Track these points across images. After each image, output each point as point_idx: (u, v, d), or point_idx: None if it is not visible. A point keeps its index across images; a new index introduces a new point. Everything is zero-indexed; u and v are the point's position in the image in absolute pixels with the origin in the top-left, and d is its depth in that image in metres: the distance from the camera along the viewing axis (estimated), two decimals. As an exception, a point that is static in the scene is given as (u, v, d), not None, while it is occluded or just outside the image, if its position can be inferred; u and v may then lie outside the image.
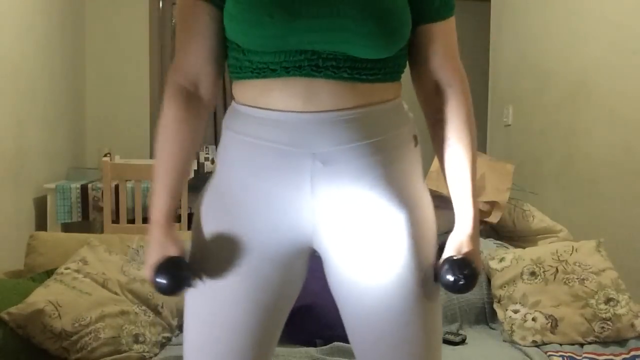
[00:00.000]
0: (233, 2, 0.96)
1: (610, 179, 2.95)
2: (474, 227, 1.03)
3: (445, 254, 1.02)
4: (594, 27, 3.08)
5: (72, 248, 2.11)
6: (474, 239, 1.03)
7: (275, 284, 1.03)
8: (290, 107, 0.95)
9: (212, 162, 4.24)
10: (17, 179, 3.22)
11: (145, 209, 3.27)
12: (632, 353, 1.94)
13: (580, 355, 1.91)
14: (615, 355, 1.94)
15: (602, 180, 3.01)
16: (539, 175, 3.58)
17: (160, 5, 4.76)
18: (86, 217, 3.49)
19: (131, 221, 3.08)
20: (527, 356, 1.91)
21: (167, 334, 1.96)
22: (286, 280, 1.04)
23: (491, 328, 2.17)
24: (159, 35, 4.70)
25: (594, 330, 1.98)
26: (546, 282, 2.08)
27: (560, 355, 1.90)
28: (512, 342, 2.01)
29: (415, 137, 1.05)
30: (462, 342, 2.00)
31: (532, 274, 2.10)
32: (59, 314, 1.76)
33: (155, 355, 1.85)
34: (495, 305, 2.13)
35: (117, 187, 3.09)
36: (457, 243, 1.02)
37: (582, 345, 1.99)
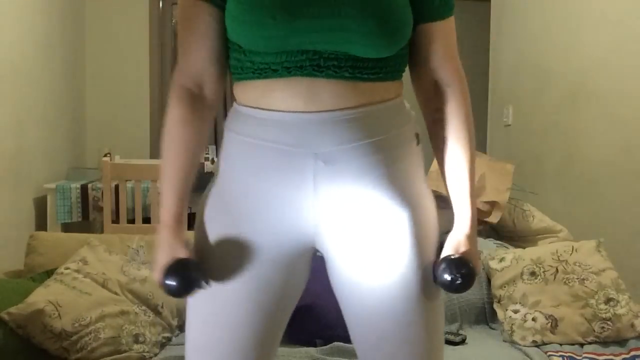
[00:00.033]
0: (234, 2, 0.96)
1: (610, 179, 2.95)
2: (472, 227, 1.04)
3: (443, 254, 1.02)
4: (594, 27, 3.08)
5: (72, 248, 2.11)
6: (471, 238, 1.03)
7: (278, 285, 1.03)
8: (291, 107, 0.95)
9: (212, 162, 4.23)
10: (17, 179, 3.22)
11: (145, 209, 3.27)
12: (632, 353, 1.94)
13: (580, 355, 1.91)
14: (615, 355, 1.94)
15: (602, 180, 3.01)
16: (539, 175, 3.58)
17: (160, 5, 4.76)
18: (86, 217, 3.49)
19: (131, 221, 3.07)
20: (527, 356, 1.91)
21: (167, 334, 1.96)
22: (288, 280, 1.04)
23: (491, 328, 2.17)
24: (159, 35, 4.70)
25: (594, 330, 1.98)
26: (546, 282, 2.08)
27: (560, 355, 1.90)
28: (512, 342, 2.01)
29: (417, 136, 1.05)
30: (462, 342, 2.00)
31: (532, 274, 2.10)
32: (59, 314, 1.76)
33: (155, 355, 1.85)
34: (495, 305, 2.13)
35: (117, 187, 3.09)
36: (455, 242, 1.02)
37: (582, 345, 1.99)
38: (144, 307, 1.94)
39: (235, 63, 1.01)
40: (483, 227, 2.64)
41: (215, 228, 1.03)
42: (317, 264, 1.09)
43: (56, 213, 3.44)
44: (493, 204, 2.59)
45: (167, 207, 1.02)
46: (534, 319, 2.01)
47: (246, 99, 1.01)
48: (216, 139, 4.57)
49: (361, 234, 0.99)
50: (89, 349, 1.74)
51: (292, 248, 1.02)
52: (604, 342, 1.99)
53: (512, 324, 2.03)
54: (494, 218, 2.59)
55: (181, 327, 2.08)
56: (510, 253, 2.22)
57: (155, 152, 4.70)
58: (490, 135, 4.26)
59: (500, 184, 2.62)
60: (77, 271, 1.93)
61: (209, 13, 1.00)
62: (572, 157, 3.27)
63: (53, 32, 3.81)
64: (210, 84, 1.03)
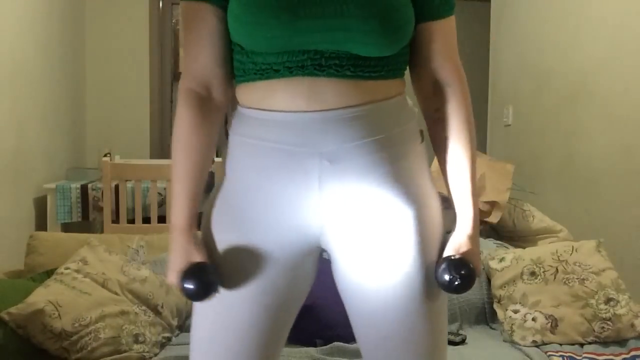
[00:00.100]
0: (237, 3, 0.96)
1: (610, 179, 2.95)
2: (474, 228, 1.03)
3: (444, 254, 1.02)
4: (594, 27, 3.08)
5: (72, 248, 2.11)
6: (473, 239, 1.03)
7: (284, 286, 1.03)
8: (294, 107, 0.95)
9: (212, 162, 4.25)
10: (17, 179, 3.22)
11: (145, 209, 3.27)
12: (632, 353, 1.94)
13: (580, 355, 1.91)
14: (615, 355, 1.94)
15: (602, 180, 3.01)
16: (539, 175, 3.58)
17: (160, 5, 4.76)
18: (86, 217, 3.48)
19: (131, 221, 3.07)
20: (527, 356, 1.91)
21: (167, 334, 1.96)
22: (294, 282, 1.04)
23: (491, 328, 2.17)
24: (159, 35, 4.70)
25: (594, 330, 1.98)
26: (546, 282, 2.08)
27: (560, 355, 1.90)
28: (512, 342, 2.01)
29: (421, 132, 1.05)
30: (462, 342, 2.01)
31: (532, 274, 2.10)
32: (59, 314, 1.76)
33: (155, 355, 1.85)
34: (495, 305, 2.13)
35: (117, 187, 3.09)
36: (457, 243, 1.02)
37: (582, 345, 1.99)
38: (144, 307, 1.94)
39: (238, 65, 1.01)
40: (483, 227, 2.64)
41: (222, 231, 1.03)
42: (318, 265, 1.09)
43: (56, 213, 3.44)
44: (493, 204, 2.59)
45: (179, 210, 1.03)
46: (534, 319, 2.01)
47: (249, 100, 1.01)
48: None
49: (366, 232, 0.99)
50: (89, 349, 1.74)
51: (299, 249, 1.02)
52: (604, 342, 1.99)
53: (512, 324, 2.03)
54: (494, 218, 2.59)
55: (181, 327, 2.08)
56: (510, 253, 2.22)
57: (155, 152, 4.70)
58: (490, 135, 4.26)
59: (500, 184, 2.62)
60: (77, 271, 1.93)
61: (213, 14, 0.99)
62: (572, 157, 3.27)
63: (53, 32, 3.81)
64: (218, 86, 1.03)
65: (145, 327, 1.88)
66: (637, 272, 2.65)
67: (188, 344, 1.93)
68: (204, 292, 0.98)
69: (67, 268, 1.95)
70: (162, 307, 1.98)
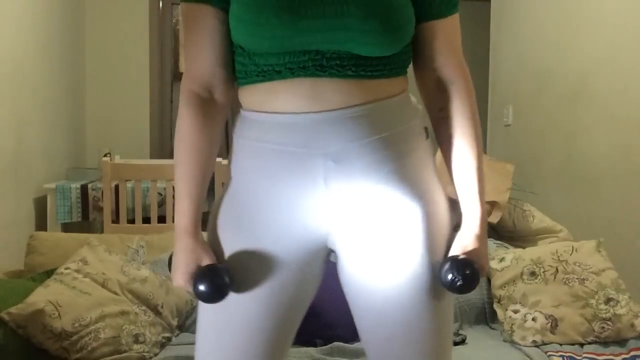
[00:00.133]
0: (238, 3, 0.96)
1: (610, 179, 2.95)
2: (481, 227, 1.03)
3: (450, 253, 1.02)
4: (594, 27, 3.08)
5: (72, 248, 2.11)
6: (480, 238, 1.02)
7: (291, 288, 1.03)
8: (297, 109, 0.95)
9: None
10: (17, 179, 3.22)
11: (145, 209, 3.27)
12: (632, 353, 1.94)
13: (580, 355, 1.91)
14: (615, 355, 1.94)
15: (602, 180, 3.01)
16: (539, 175, 3.58)
17: (160, 5, 4.76)
18: (86, 217, 3.48)
19: (131, 221, 3.07)
20: (527, 356, 1.91)
21: (167, 334, 1.96)
22: (301, 283, 1.04)
23: (491, 328, 2.17)
24: (159, 35, 4.70)
25: (594, 330, 1.98)
26: (546, 282, 2.08)
27: (560, 355, 1.90)
28: (512, 342, 2.01)
29: (426, 129, 1.05)
30: (462, 342, 2.00)
31: (532, 274, 2.10)
32: (59, 314, 1.76)
33: (155, 355, 1.85)
34: (495, 305, 2.13)
35: (117, 187, 3.09)
36: (463, 242, 1.02)
37: (582, 345, 1.99)
38: (144, 307, 1.94)
39: (240, 67, 1.01)
40: (483, 227, 2.63)
41: (229, 234, 1.03)
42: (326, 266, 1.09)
43: (56, 213, 3.44)
44: (493, 204, 2.59)
45: (184, 212, 1.02)
46: (534, 319, 2.01)
47: (251, 103, 1.01)
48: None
49: (373, 230, 0.99)
50: (89, 349, 1.74)
51: (305, 250, 1.02)
52: (604, 342, 1.99)
53: (512, 324, 2.03)
54: (494, 218, 2.59)
55: (181, 327, 2.08)
56: (510, 253, 2.22)
57: (155, 152, 4.70)
58: (490, 135, 4.26)
59: (500, 184, 2.62)
60: (77, 271, 1.93)
61: (214, 15, 0.99)
62: (572, 157, 3.27)
63: (53, 32, 3.81)
64: (220, 87, 1.03)
65: (145, 327, 1.88)
66: (637, 272, 2.65)
67: (188, 344, 1.95)
68: (218, 294, 0.98)
69: (67, 268, 1.95)
70: (162, 307, 1.98)
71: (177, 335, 2.03)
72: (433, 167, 1.05)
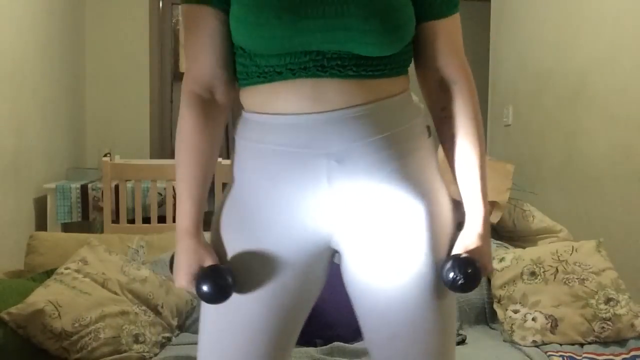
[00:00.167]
0: (238, 4, 0.96)
1: (610, 179, 2.95)
2: (484, 226, 1.03)
3: (452, 252, 1.02)
4: (594, 27, 3.08)
5: (72, 248, 2.11)
6: (483, 237, 1.03)
7: (294, 289, 1.03)
8: (299, 109, 0.96)
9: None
10: (17, 179, 3.22)
11: (145, 209, 3.27)
12: (632, 353, 1.94)
13: (580, 355, 1.91)
14: (615, 355, 1.94)
15: (602, 180, 3.01)
16: (539, 175, 3.58)
17: (160, 5, 4.76)
18: (86, 217, 3.48)
19: (131, 221, 3.07)
20: (527, 356, 1.91)
21: (167, 334, 1.96)
22: (305, 284, 1.04)
23: (491, 328, 2.17)
24: (159, 35, 4.71)
25: (594, 330, 1.98)
26: (546, 282, 2.08)
27: (560, 355, 1.90)
28: (512, 342, 2.01)
29: (428, 128, 1.05)
30: (462, 342, 2.00)
31: (532, 274, 2.10)
32: (59, 314, 1.76)
33: (155, 355, 1.85)
34: (495, 305, 2.13)
35: (117, 187, 3.09)
36: (465, 241, 1.02)
37: (582, 345, 1.99)
38: (144, 307, 1.94)
39: (241, 68, 1.01)
40: (483, 227, 2.63)
41: (232, 235, 1.03)
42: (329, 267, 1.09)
43: (56, 213, 3.44)
44: (493, 204, 2.59)
45: (186, 213, 1.02)
46: (534, 319, 2.01)
47: (253, 104, 1.01)
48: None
49: (377, 230, 0.99)
50: (89, 349, 1.74)
51: (310, 250, 1.02)
52: (604, 342, 1.99)
53: (512, 324, 2.03)
54: (494, 218, 2.59)
55: (181, 327, 2.08)
56: (510, 253, 2.22)
57: (155, 152, 4.70)
58: (490, 135, 4.26)
59: (500, 184, 2.62)
60: (77, 271, 1.93)
61: (215, 16, 0.99)
62: (572, 157, 3.27)
63: (53, 32, 3.81)
64: (221, 88, 1.03)
65: (145, 327, 1.88)
66: (637, 272, 2.65)
67: (188, 344, 1.95)
68: (221, 294, 0.98)
69: (67, 268, 1.95)
70: (162, 307, 1.98)
71: (177, 335, 2.03)
72: (436, 166, 1.05)
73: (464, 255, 0.99)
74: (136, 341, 1.83)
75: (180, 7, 1.07)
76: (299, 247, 1.01)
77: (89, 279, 1.92)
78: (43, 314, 1.73)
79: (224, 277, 0.98)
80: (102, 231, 3.18)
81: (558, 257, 2.13)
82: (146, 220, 3.07)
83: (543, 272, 2.10)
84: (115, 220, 3.07)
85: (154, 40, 4.66)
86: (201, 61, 1.01)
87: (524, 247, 2.34)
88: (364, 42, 0.93)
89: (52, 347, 1.73)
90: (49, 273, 2.03)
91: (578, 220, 3.10)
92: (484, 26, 4.37)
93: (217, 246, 1.05)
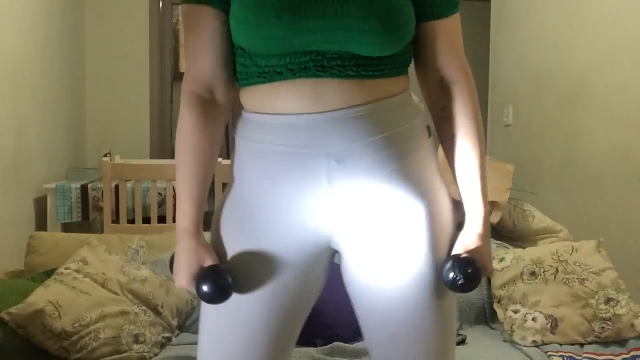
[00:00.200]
0: (238, 4, 0.96)
1: (610, 179, 2.95)
2: (484, 226, 1.03)
3: (452, 252, 1.02)
4: (594, 27, 3.08)
5: (72, 248, 2.11)
6: (483, 237, 1.03)
7: (294, 289, 1.03)
8: (299, 110, 0.96)
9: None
10: (17, 179, 3.22)
11: (145, 209, 3.27)
12: (632, 353, 1.94)
13: (580, 355, 1.91)
14: (615, 355, 1.94)
15: (602, 180, 3.01)
16: (539, 175, 3.58)
17: (160, 5, 4.76)
18: (86, 217, 3.48)
19: (131, 221, 3.07)
20: (527, 356, 1.91)
21: (167, 334, 1.96)
22: (305, 284, 1.04)
23: (491, 328, 2.17)
24: (159, 35, 4.71)
25: (594, 330, 1.98)
26: (546, 282, 2.08)
27: (560, 355, 1.90)
28: (512, 342, 2.01)
29: (428, 128, 1.05)
30: (462, 342, 2.00)
31: (532, 274, 2.10)
32: (59, 314, 1.76)
33: (155, 355, 1.85)
34: (495, 305, 2.13)
35: (117, 187, 3.09)
36: (465, 241, 1.02)
37: (582, 345, 1.99)
38: (144, 307, 1.94)
39: (241, 68, 1.01)
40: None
41: (232, 235, 1.03)
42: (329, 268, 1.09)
43: (56, 213, 3.44)
44: (493, 204, 2.59)
45: (186, 214, 1.02)
46: (534, 319, 2.01)
47: (253, 104, 1.01)
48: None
49: (377, 230, 0.99)
50: (89, 349, 1.74)
51: (310, 250, 1.02)
52: (604, 342, 1.99)
53: (512, 324, 2.03)
54: (494, 218, 2.59)
55: (181, 327, 2.08)
56: (510, 253, 2.22)
57: (155, 152, 4.70)
58: (490, 135, 4.26)
59: (500, 184, 2.62)
60: (77, 271, 1.93)
61: (215, 16, 0.99)
62: (572, 157, 3.27)
63: (53, 32, 3.81)
64: (221, 88, 1.03)
65: (145, 327, 1.88)
66: (637, 272, 2.65)
67: (188, 344, 1.95)
68: (221, 294, 0.98)
69: (67, 268, 1.95)
70: (162, 307, 1.98)
71: (177, 335, 2.03)
72: (436, 166, 1.05)
73: (464, 255, 0.99)
74: (136, 341, 1.83)
75: (180, 7, 1.08)
76: (299, 247, 1.01)
77: (89, 279, 1.92)
78: (43, 314, 1.73)
79: (224, 277, 0.98)
80: (102, 231, 3.18)
81: (558, 257, 2.13)
82: (146, 220, 3.07)
83: (543, 272, 2.10)
84: (115, 220, 3.07)
85: (154, 40, 4.66)
86: (201, 61, 1.01)
87: (524, 247, 2.34)
88: (364, 42, 0.93)
89: (52, 347, 1.73)
90: (49, 273, 2.03)
91: (578, 220, 3.10)
92: (484, 26, 4.37)
93: (217, 246, 1.05)
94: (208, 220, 1.07)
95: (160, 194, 3.36)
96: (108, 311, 1.83)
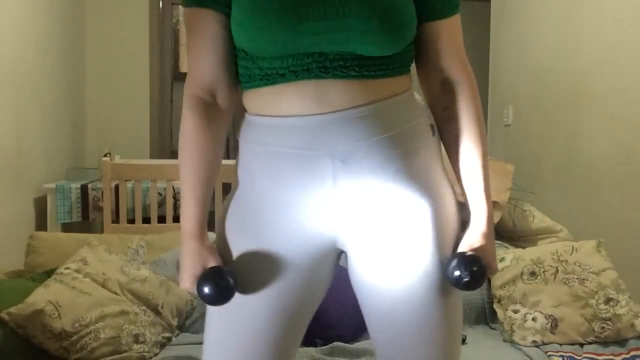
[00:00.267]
0: (239, 7, 0.96)
1: (610, 179, 2.95)
2: (488, 225, 1.04)
3: (458, 249, 1.02)
4: (594, 27, 3.08)
5: (72, 248, 2.11)
6: (487, 236, 1.03)
7: (299, 290, 1.03)
8: (303, 111, 0.96)
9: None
10: (17, 179, 3.22)
11: (145, 209, 3.27)
12: (632, 353, 1.94)
13: (580, 355, 1.91)
14: (615, 355, 1.94)
15: (602, 180, 3.01)
16: (539, 175, 3.58)
17: (160, 5, 4.76)
18: (86, 217, 3.48)
19: (131, 221, 3.07)
20: (527, 356, 1.91)
21: (167, 334, 1.96)
22: (311, 285, 1.05)
23: (491, 328, 2.17)
24: (159, 35, 4.70)
25: (594, 330, 1.98)
26: (546, 282, 2.08)
27: (560, 355, 1.90)
28: (512, 342, 2.01)
29: (432, 127, 1.05)
30: (462, 342, 2.00)
31: (532, 274, 2.10)
32: (59, 314, 1.76)
33: (155, 355, 1.85)
34: (495, 305, 2.13)
35: (117, 187, 3.09)
36: (470, 239, 1.02)
37: (582, 345, 1.99)
38: (144, 307, 1.94)
39: (243, 71, 1.01)
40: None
41: (237, 236, 1.04)
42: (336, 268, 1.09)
43: (56, 213, 3.44)
44: (493, 204, 2.59)
45: (190, 216, 1.03)
46: (534, 319, 2.01)
47: (256, 107, 1.01)
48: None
49: (383, 229, 0.99)
50: (89, 349, 1.74)
51: (316, 251, 1.02)
52: (604, 342, 1.99)
53: (512, 324, 2.03)
54: (494, 218, 2.59)
55: (181, 327, 2.08)
56: (510, 253, 2.22)
57: (155, 152, 4.70)
58: (490, 135, 4.26)
59: (500, 184, 2.62)
60: (77, 271, 1.93)
61: (216, 20, 0.99)
62: (572, 157, 3.27)
63: (53, 32, 3.81)
64: (223, 91, 1.03)
65: (145, 327, 1.88)
66: (637, 272, 2.65)
67: (188, 344, 1.95)
68: (222, 296, 0.98)
69: (67, 268, 1.95)
70: (162, 307, 1.98)
71: (177, 335, 2.03)
72: (441, 164, 1.05)
73: (469, 253, 1.00)
74: (136, 341, 1.83)
75: (181, 10, 1.07)
76: (305, 248, 1.01)
77: (89, 279, 1.92)
78: (43, 314, 1.73)
79: (225, 279, 0.98)
80: (102, 231, 3.18)
81: (558, 257, 2.13)
82: (146, 220, 3.07)
83: (543, 272, 2.10)
84: (115, 220, 3.07)
85: (154, 40, 4.65)
86: (203, 64, 1.01)
87: (524, 247, 2.34)
88: (366, 42, 0.93)
89: (52, 347, 1.73)
90: (49, 273, 2.03)
91: (578, 220, 3.10)
92: (484, 26, 4.37)
93: (222, 248, 1.05)
94: (210, 220, 1.08)
95: (160, 194, 3.36)
96: (108, 311, 1.83)
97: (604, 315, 1.99)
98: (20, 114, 3.24)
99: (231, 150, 4.85)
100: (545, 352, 1.93)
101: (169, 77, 5.10)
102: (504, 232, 2.69)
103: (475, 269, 0.97)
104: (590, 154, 3.11)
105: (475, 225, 1.03)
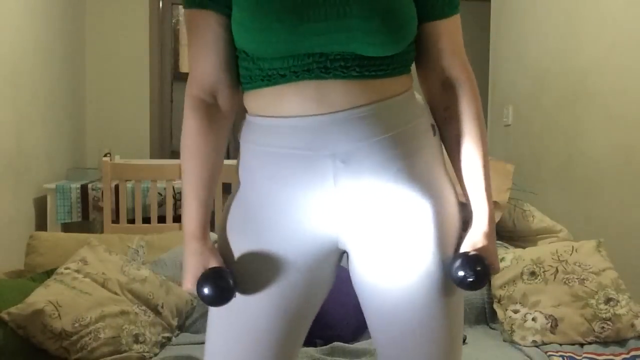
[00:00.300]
0: (239, 9, 0.96)
1: (610, 179, 2.95)
2: (490, 225, 1.04)
3: (460, 250, 1.02)
4: (594, 27, 3.08)
5: (72, 248, 2.11)
6: (489, 236, 1.03)
7: (301, 291, 1.03)
8: (304, 112, 0.96)
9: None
10: (17, 179, 3.22)
11: (145, 209, 3.27)
12: (632, 353, 1.94)
13: (580, 355, 1.91)
14: (615, 355, 1.94)
15: (602, 180, 3.01)
16: (539, 175, 3.58)
17: (160, 5, 4.76)
18: (86, 217, 3.49)
19: (131, 221, 3.07)
20: (527, 356, 1.91)
21: (167, 334, 1.96)
22: (313, 285, 1.05)
23: (491, 328, 2.17)
24: (159, 35, 4.71)
25: (594, 330, 1.98)
26: (546, 282, 2.08)
27: (560, 355, 1.90)
28: (512, 342, 2.01)
29: (433, 126, 1.05)
30: (462, 342, 2.00)
31: (532, 274, 2.10)
32: (59, 314, 1.76)
33: (155, 355, 1.85)
34: (495, 305, 2.13)
35: (117, 187, 3.09)
36: (472, 239, 1.02)
37: (582, 345, 1.99)
38: (144, 307, 1.94)
39: (244, 72, 1.01)
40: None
41: (239, 237, 1.04)
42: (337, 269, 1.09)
43: (56, 213, 3.44)
44: (493, 204, 2.59)
45: (192, 217, 1.03)
46: (534, 319, 2.01)
47: (257, 108, 1.01)
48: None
49: (384, 229, 0.99)
50: (89, 349, 1.74)
51: (317, 252, 1.02)
52: (604, 342, 1.99)
53: (512, 324, 2.03)
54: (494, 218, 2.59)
55: (181, 327, 2.08)
56: (510, 253, 2.22)
57: (155, 152, 4.71)
58: (490, 135, 4.26)
59: (500, 184, 2.62)
60: (77, 271, 1.93)
61: (217, 21, 1.00)
62: (572, 157, 3.27)
63: (53, 32, 3.81)
64: (224, 92, 1.03)
65: (145, 327, 1.88)
66: (637, 272, 2.65)
67: (188, 344, 1.95)
68: (221, 297, 0.98)
69: (67, 268, 1.95)
70: (162, 307, 1.98)
71: (177, 335, 2.03)
72: (442, 164, 1.05)
73: (472, 252, 1.00)
74: (136, 341, 1.83)
75: (182, 10, 1.07)
76: (306, 249, 1.01)
77: (89, 279, 1.92)
78: (43, 314, 1.73)
79: (225, 279, 0.98)
80: (102, 231, 3.18)
81: (558, 257, 2.13)
82: (146, 220, 3.07)
83: (543, 272, 2.10)
84: (115, 220, 3.07)
85: (154, 40, 4.65)
86: (204, 65, 1.01)
87: (524, 247, 2.34)
88: (367, 42, 0.93)
89: (52, 347, 1.73)
90: (49, 273, 2.03)
91: (578, 220, 3.10)
92: (484, 26, 4.37)
93: (224, 248, 1.05)
94: (211, 221, 1.08)
95: (160, 194, 3.36)
96: (108, 311, 1.83)
97: (604, 315, 1.99)
98: (20, 114, 3.24)
99: (232, 150, 4.85)
100: (545, 352, 1.93)
101: (169, 77, 5.10)
102: (504, 232, 2.69)
103: (479, 268, 0.97)
104: (590, 154, 3.11)
105: (477, 225, 1.04)
